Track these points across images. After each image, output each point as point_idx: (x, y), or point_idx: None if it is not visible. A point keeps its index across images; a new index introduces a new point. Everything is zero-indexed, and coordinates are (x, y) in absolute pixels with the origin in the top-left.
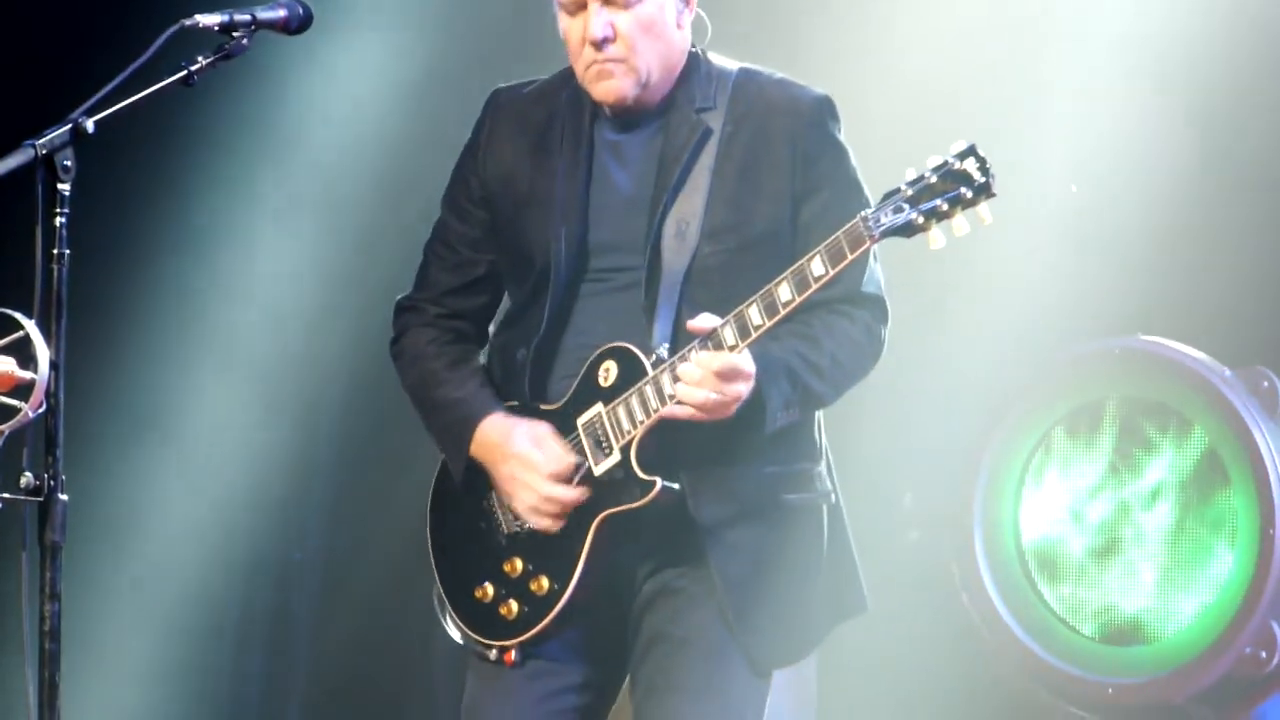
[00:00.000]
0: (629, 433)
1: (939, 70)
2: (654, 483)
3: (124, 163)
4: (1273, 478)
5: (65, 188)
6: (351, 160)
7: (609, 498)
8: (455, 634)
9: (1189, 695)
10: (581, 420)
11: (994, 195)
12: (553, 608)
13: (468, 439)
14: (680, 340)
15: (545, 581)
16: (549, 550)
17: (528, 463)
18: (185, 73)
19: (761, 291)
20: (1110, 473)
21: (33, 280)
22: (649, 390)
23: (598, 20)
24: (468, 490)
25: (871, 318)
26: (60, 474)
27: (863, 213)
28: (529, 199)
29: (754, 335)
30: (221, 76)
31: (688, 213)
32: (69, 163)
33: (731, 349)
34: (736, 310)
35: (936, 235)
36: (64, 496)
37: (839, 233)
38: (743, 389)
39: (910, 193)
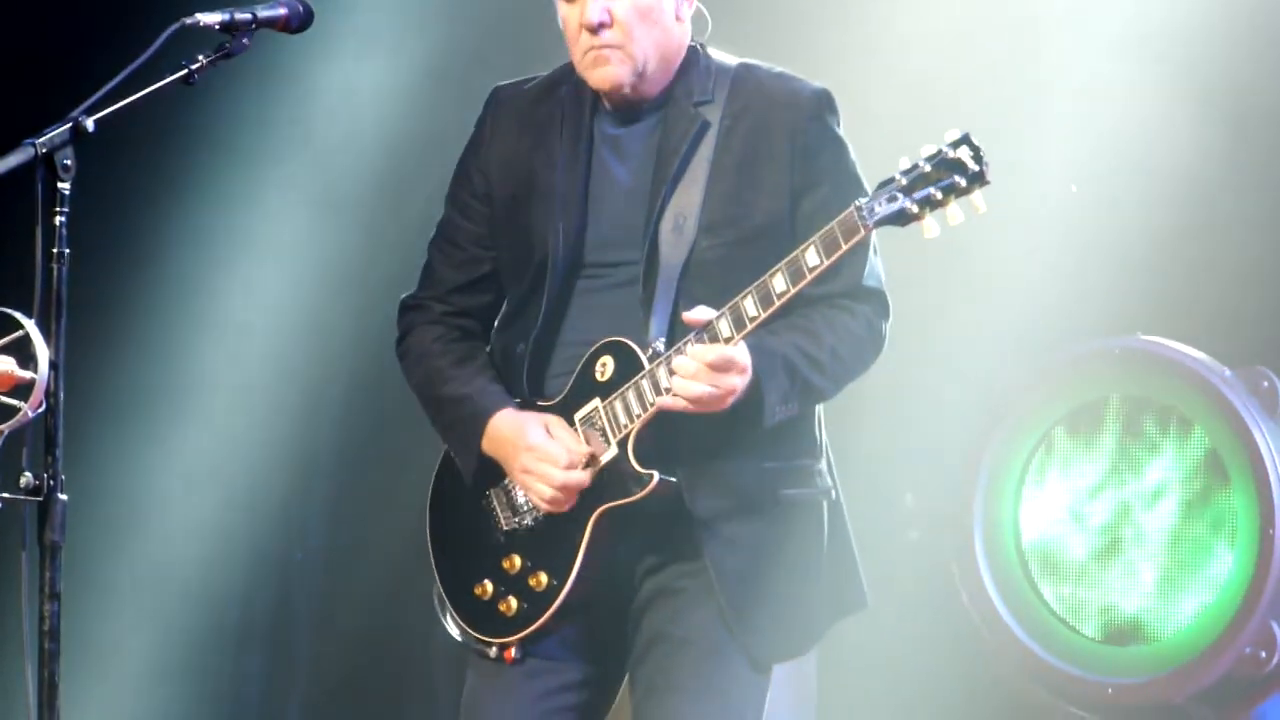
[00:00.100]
0: (626, 427)
1: (939, 70)
2: (651, 476)
3: (124, 162)
4: (1273, 478)
5: (65, 187)
6: (352, 160)
7: (607, 492)
8: (455, 632)
9: (1189, 695)
10: (579, 415)
11: (988, 183)
12: (552, 603)
13: (478, 435)
14: (677, 334)
15: (544, 577)
16: (547, 546)
17: (544, 454)
18: (186, 72)
19: (757, 283)
20: (1110, 473)
21: (33, 280)
22: (645, 384)
23: (594, 5)
24: (467, 488)
25: (873, 312)
26: (60, 474)
27: (857, 202)
28: (530, 193)
29: (749, 327)
30: (222, 75)
31: (685, 206)
32: (69, 162)
33: (727, 341)
34: (732, 302)
35: (931, 224)
36: (63, 496)
37: (833, 222)
38: (738, 381)
39: (904, 182)
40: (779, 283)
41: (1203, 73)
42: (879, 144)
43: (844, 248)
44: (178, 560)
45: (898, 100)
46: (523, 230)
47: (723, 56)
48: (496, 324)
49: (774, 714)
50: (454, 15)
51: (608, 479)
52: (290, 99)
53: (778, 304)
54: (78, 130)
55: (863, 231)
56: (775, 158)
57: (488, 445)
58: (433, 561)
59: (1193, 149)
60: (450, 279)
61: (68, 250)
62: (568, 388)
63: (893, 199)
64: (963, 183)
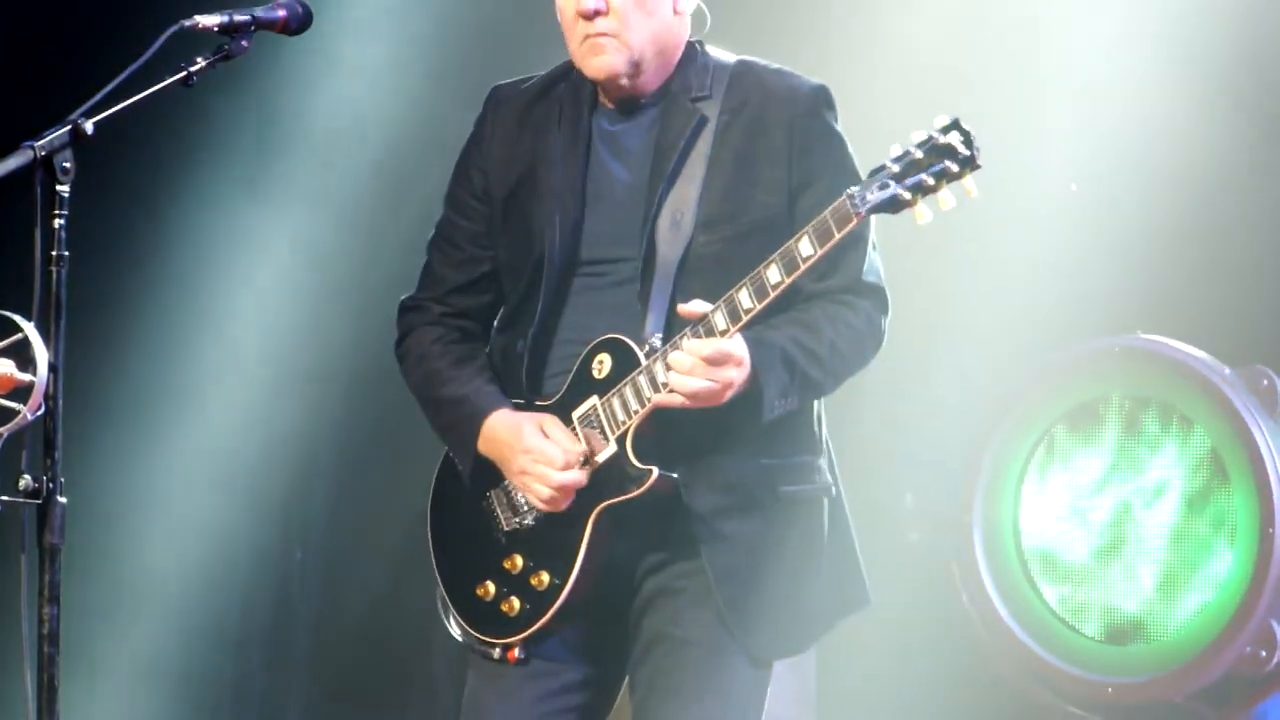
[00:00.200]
0: (624, 423)
1: (939, 69)
2: (650, 472)
3: (124, 164)
4: (1273, 477)
5: (64, 189)
6: (352, 162)
7: (606, 489)
8: (458, 634)
9: (1189, 694)
10: (577, 414)
11: (979, 168)
12: (554, 603)
13: (474, 436)
14: (675, 330)
15: (545, 577)
16: (548, 546)
17: (540, 456)
18: (185, 73)
19: (751, 274)
20: (1110, 472)
21: (32, 282)
22: (642, 380)
23: None
24: (468, 489)
25: (872, 307)
26: (59, 476)
27: (849, 190)
28: (530, 191)
29: (745, 319)
30: (221, 77)
31: (683, 202)
32: (68, 164)
33: (723, 334)
34: (727, 295)
35: (924, 210)
36: (63, 499)
37: (825, 212)
38: (734, 374)
39: (896, 169)
40: (773, 274)
41: (1203, 73)
42: (879, 143)
43: (837, 236)
44: (178, 560)
45: (897, 100)
46: (521, 229)
47: (721, 53)
48: (496, 324)
49: (774, 714)
50: (454, 16)
51: (607, 477)
52: (290, 99)
53: (773, 295)
54: (77, 133)
55: (855, 219)
56: (773, 153)
57: (483, 446)
58: (434, 563)
59: (1193, 149)
60: (449, 279)
61: (67, 253)
62: (566, 386)
63: (884, 186)
64: (954, 168)
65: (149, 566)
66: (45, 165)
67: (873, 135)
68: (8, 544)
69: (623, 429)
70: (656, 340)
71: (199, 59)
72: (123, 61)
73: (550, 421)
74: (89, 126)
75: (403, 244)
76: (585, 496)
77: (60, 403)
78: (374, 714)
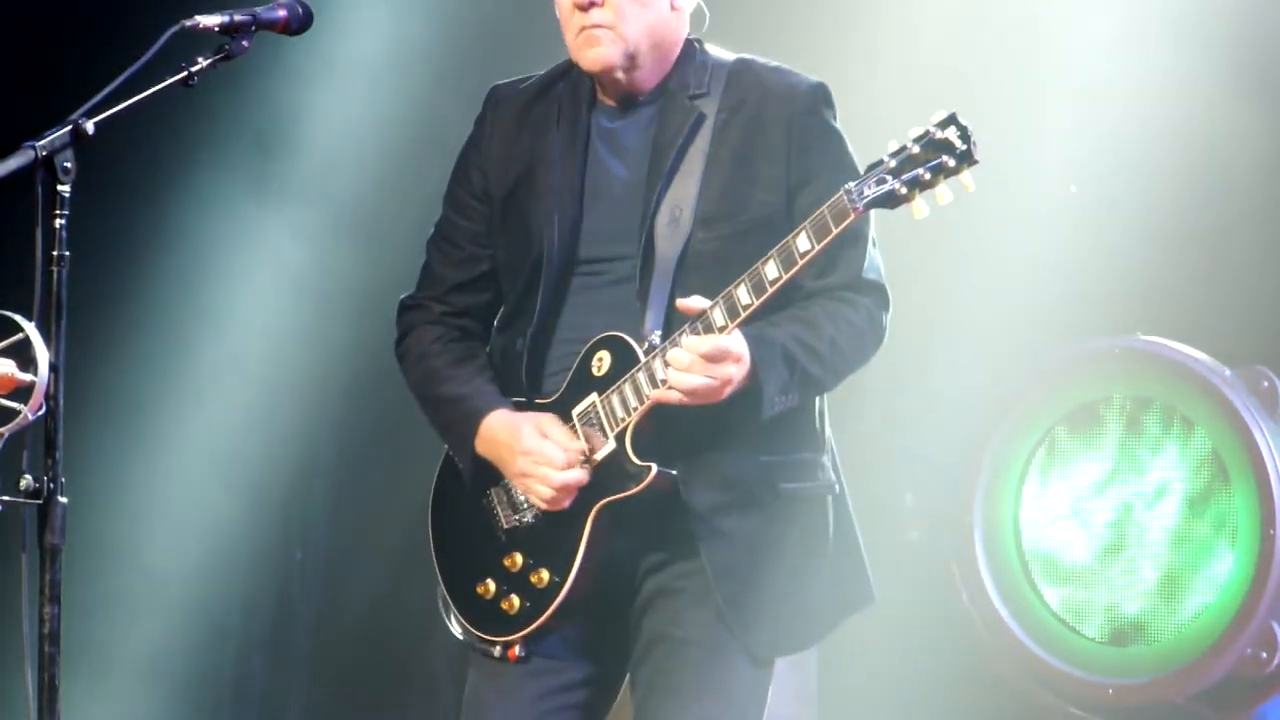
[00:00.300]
0: (623, 421)
1: (938, 69)
2: (649, 468)
3: (124, 164)
4: (1273, 478)
5: (65, 189)
6: (352, 161)
7: (606, 487)
8: (459, 632)
9: (1189, 696)
10: (576, 411)
11: (976, 163)
12: (553, 600)
13: (472, 435)
14: (674, 327)
15: (545, 574)
16: (548, 543)
17: (540, 456)
18: (185, 73)
19: (749, 270)
20: (1111, 473)
21: (32, 282)
22: (641, 377)
23: None
24: (468, 487)
25: (873, 304)
26: (60, 476)
27: (846, 185)
28: (528, 191)
29: (743, 315)
30: (222, 77)
31: (681, 199)
32: (69, 164)
33: (721, 330)
34: (725, 291)
35: (921, 205)
36: (63, 499)
37: (823, 207)
38: (733, 370)
39: (893, 164)
40: (771, 270)
41: (1203, 73)
42: (879, 143)
43: (834, 232)
44: (178, 560)
45: (897, 99)
46: (520, 228)
47: (720, 52)
48: (496, 323)
49: (775, 712)
50: (454, 16)
51: (607, 474)
52: (290, 99)
53: (771, 291)
54: (78, 133)
55: (852, 215)
56: (771, 151)
57: (481, 446)
58: (435, 561)
59: (1193, 149)
60: (449, 278)
61: (68, 253)
62: (565, 384)
63: (881, 181)
64: (951, 163)
65: (149, 566)
66: (46, 165)
67: (873, 135)
68: (8, 544)
69: (622, 426)
70: (655, 337)
71: (200, 59)
72: (123, 61)
73: (548, 421)
74: (90, 126)
75: (403, 244)
76: (585, 494)
77: (61, 403)
78: (374, 714)
